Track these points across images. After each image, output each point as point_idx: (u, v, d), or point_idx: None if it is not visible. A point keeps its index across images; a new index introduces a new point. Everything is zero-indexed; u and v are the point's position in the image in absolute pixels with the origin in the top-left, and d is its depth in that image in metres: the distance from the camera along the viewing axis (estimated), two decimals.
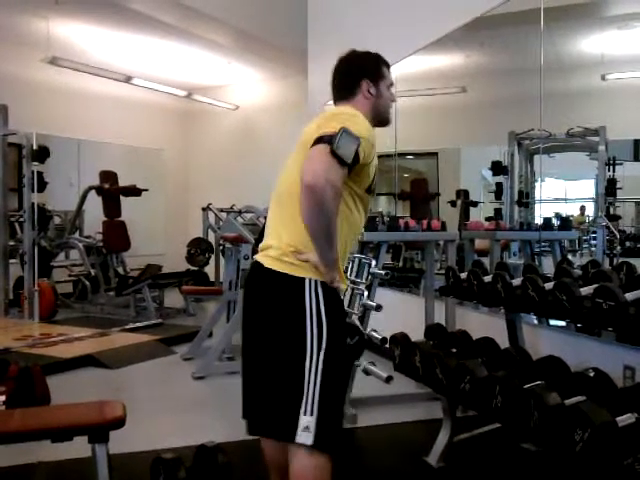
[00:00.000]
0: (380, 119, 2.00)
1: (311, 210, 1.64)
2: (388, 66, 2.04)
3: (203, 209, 8.53)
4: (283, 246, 1.78)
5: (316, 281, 1.77)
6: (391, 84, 2.03)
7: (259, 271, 1.84)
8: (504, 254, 4.41)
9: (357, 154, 1.67)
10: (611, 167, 3.79)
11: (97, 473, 1.96)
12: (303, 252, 1.75)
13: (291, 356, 1.76)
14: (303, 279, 1.76)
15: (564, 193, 4.57)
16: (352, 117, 1.78)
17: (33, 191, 6.38)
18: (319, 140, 1.65)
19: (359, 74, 1.97)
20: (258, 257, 1.87)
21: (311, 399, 1.74)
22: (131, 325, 6.07)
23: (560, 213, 4.14)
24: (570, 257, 4.02)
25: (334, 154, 1.61)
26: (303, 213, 1.67)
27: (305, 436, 1.72)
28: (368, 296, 3.33)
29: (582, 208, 4.29)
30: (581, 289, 2.30)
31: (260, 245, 1.92)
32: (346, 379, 1.90)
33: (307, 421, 1.73)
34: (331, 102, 2.03)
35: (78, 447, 2.00)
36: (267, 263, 1.81)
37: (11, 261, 6.82)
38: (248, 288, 1.94)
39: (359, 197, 1.84)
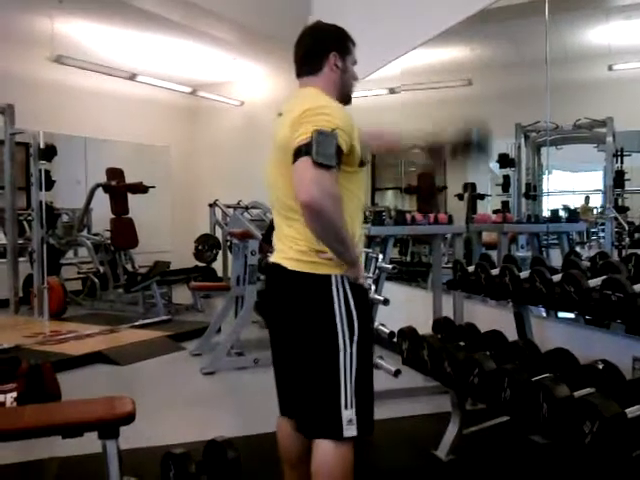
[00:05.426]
0: (344, 95, 1.94)
1: (317, 225, 1.66)
2: (354, 43, 1.98)
3: (210, 205, 8.53)
4: (302, 247, 1.78)
5: (342, 277, 1.79)
6: (355, 62, 1.98)
7: (283, 273, 1.83)
8: (512, 247, 4.39)
9: (339, 147, 1.66)
10: (619, 158, 3.77)
11: (108, 468, 1.97)
12: (324, 251, 1.75)
13: (324, 354, 1.77)
14: (329, 276, 1.78)
15: (572, 185, 4.55)
16: (321, 110, 1.71)
17: (41, 189, 6.38)
18: (298, 153, 1.63)
19: (327, 46, 1.90)
20: (277, 259, 1.87)
21: (350, 392, 1.76)
22: (140, 322, 6.09)
23: (568, 205, 4.13)
24: (578, 249, 4.00)
25: (317, 163, 1.60)
26: (310, 230, 1.69)
27: (350, 429, 1.75)
28: (376, 290, 3.34)
29: (587, 198, 4.27)
30: (589, 281, 2.29)
31: (274, 243, 1.92)
32: (372, 365, 1.93)
33: (349, 414, 1.75)
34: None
35: (89, 443, 2.02)
36: (291, 265, 1.81)
37: (20, 259, 6.85)
38: (272, 292, 1.94)
39: (354, 174, 1.84)
